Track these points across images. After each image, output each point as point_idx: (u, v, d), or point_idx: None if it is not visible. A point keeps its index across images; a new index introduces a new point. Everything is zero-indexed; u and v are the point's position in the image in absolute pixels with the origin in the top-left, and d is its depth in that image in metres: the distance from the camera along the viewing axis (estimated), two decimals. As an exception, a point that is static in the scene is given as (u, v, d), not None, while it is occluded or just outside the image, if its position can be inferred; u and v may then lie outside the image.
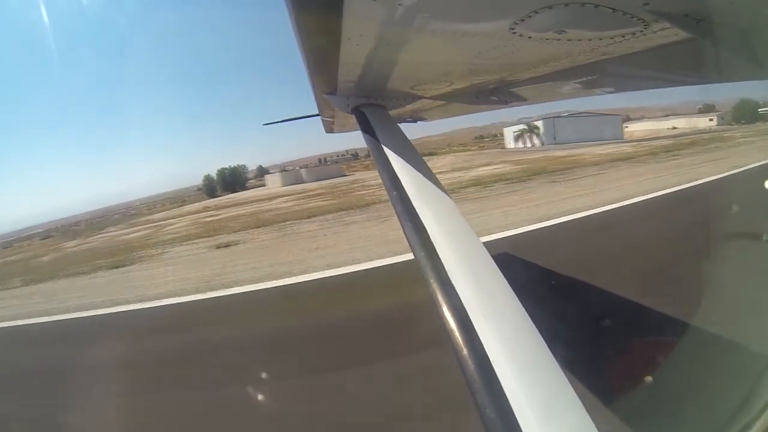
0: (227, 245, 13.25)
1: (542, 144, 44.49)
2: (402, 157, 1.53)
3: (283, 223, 15.99)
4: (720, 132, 35.59)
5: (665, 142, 29.64)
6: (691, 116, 60.77)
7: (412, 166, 1.48)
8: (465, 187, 17.54)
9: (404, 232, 1.23)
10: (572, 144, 37.19)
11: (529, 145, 46.50)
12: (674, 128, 51.96)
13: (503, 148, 52.49)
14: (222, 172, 67.33)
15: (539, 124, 46.18)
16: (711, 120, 53.72)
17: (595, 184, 13.91)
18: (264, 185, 59.08)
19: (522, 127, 48.53)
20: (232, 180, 65.74)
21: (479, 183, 18.33)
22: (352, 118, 2.08)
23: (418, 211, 1.24)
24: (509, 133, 52.87)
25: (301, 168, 56.96)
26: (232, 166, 69.29)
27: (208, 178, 67.80)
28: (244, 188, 62.01)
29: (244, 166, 74.49)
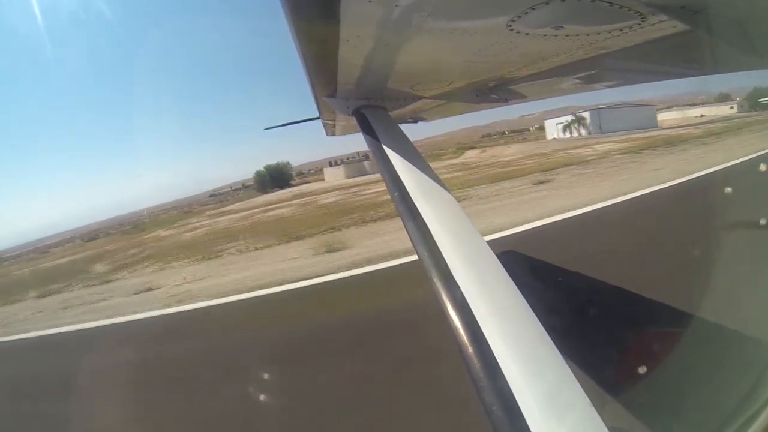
0: (541, 182, 15.32)
1: (589, 133, 46.50)
2: (403, 158, 1.53)
3: (537, 173, 18.00)
4: (751, 117, 37.49)
5: (720, 124, 31.94)
6: (712, 105, 63.57)
7: (413, 166, 1.48)
8: (657, 146, 21.23)
9: (407, 232, 1.23)
10: (616, 133, 39.31)
11: (576, 135, 48.57)
12: (702, 116, 54.03)
13: (540, 140, 54.27)
14: (269, 168, 68.60)
15: (586, 115, 49.03)
16: (732, 108, 56.08)
17: (744, 142, 17.24)
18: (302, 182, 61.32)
19: (569, 118, 51.26)
20: (278, 176, 67.14)
21: (651, 146, 21.80)
22: (353, 120, 2.09)
23: (420, 210, 1.24)
24: (551, 125, 55.47)
25: (363, 161, 57.48)
26: (277, 162, 70.87)
27: (260, 173, 69.04)
28: (288, 185, 62.84)
29: (289, 163, 75.93)
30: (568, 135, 49.74)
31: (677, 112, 61.24)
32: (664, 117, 55.88)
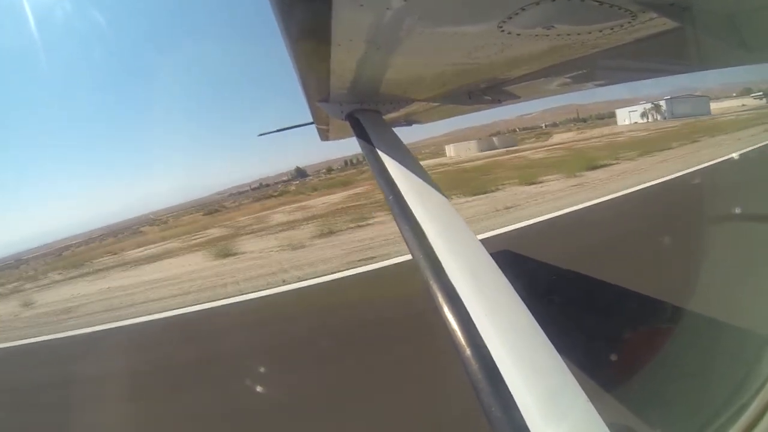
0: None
1: (664, 118, 55.98)
2: (397, 161, 1.53)
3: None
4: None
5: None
6: (744, 97, 72.50)
7: (407, 169, 1.48)
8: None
9: (402, 236, 1.23)
10: (682, 118, 47.56)
11: (651, 120, 57.57)
12: (744, 105, 61.72)
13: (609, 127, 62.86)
14: None
15: (662, 103, 59.67)
16: (762, 99, 63.73)
17: None
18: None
19: (646, 106, 61.59)
20: None
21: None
22: (347, 125, 2.08)
23: (415, 214, 1.24)
24: (623, 113, 66.07)
25: (494, 137, 69.12)
26: None
27: None
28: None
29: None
30: (645, 120, 58.34)
31: (716, 103, 67.06)
32: (716, 106, 61.90)
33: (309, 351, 4.62)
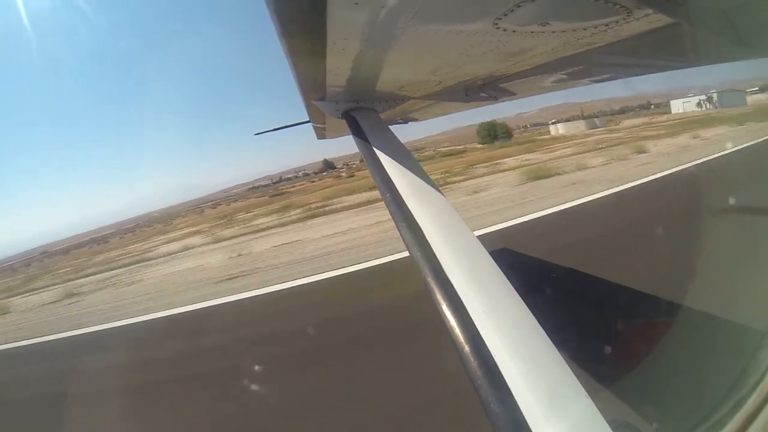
0: None
1: (715, 108, 61.68)
2: (394, 159, 1.53)
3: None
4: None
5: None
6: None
7: (404, 167, 1.48)
8: None
9: (400, 233, 1.22)
10: (729, 107, 53.23)
11: (704, 109, 64.99)
12: None
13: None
14: (485, 125, 79.69)
15: (714, 95, 67.60)
16: (758, 93, 70.34)
17: None
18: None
19: (702, 97, 69.84)
20: (495, 132, 78.01)
21: None
22: (344, 123, 2.08)
23: (412, 211, 1.24)
24: (677, 103, 74.45)
25: (594, 118, 77.89)
26: (494, 119, 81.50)
27: (485, 126, 79.60)
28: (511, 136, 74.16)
29: (494, 120, 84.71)
30: (699, 109, 65.66)
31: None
32: (750, 99, 66.91)
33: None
